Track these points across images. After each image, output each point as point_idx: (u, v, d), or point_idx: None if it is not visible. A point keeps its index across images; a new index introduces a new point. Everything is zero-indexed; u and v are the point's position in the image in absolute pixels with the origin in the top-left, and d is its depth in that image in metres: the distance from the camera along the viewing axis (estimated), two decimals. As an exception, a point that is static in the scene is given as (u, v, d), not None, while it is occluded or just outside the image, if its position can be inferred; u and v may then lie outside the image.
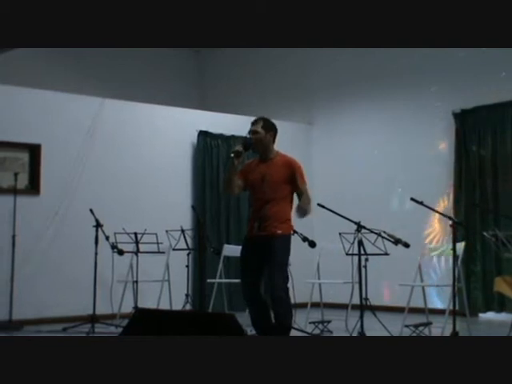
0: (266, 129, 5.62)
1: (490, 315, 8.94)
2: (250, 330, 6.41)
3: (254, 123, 5.67)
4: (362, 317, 6.57)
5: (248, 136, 5.68)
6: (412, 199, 6.26)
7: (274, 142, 5.69)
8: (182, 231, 8.33)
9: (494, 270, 8.81)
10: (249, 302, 5.67)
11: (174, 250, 8.45)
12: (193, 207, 9.14)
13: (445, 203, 9.45)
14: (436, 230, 9.51)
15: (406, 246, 6.49)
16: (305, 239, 6.72)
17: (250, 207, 6.05)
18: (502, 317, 8.64)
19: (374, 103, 10.48)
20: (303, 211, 5.42)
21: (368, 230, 6.66)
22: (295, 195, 5.65)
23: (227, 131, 10.27)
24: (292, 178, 5.53)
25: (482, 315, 8.97)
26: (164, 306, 8.44)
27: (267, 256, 5.47)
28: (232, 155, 5.51)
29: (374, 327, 7.00)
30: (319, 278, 8.32)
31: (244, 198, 10.13)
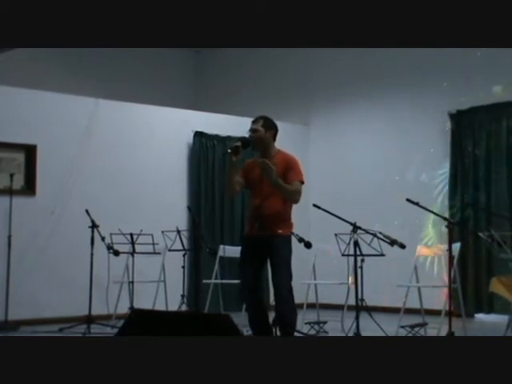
0: (266, 127, 5.60)
1: (484, 316, 8.94)
2: (246, 331, 6.41)
3: (254, 121, 5.65)
4: (357, 317, 6.57)
5: (248, 134, 5.65)
6: (408, 200, 6.26)
7: (274, 140, 5.67)
8: (178, 232, 8.33)
9: (485, 271, 8.84)
10: (247, 301, 5.67)
11: (169, 250, 8.44)
12: (188, 208, 9.13)
13: (441, 203, 9.47)
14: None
15: (402, 246, 6.49)
16: (301, 240, 6.72)
17: (249, 205, 5.99)
18: (497, 318, 8.64)
19: (371, 104, 10.48)
20: (272, 176, 5.33)
21: (364, 230, 6.66)
22: None
23: (223, 132, 10.27)
24: (285, 173, 5.47)
25: (477, 316, 8.98)
26: (160, 306, 8.43)
27: (269, 256, 5.48)
28: (229, 151, 5.48)
29: (370, 328, 7.00)
30: (315, 279, 8.32)
31: (238, 198, 10.13)
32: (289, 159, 5.61)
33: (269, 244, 5.44)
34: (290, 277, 5.48)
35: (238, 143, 5.49)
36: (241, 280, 5.67)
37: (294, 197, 5.51)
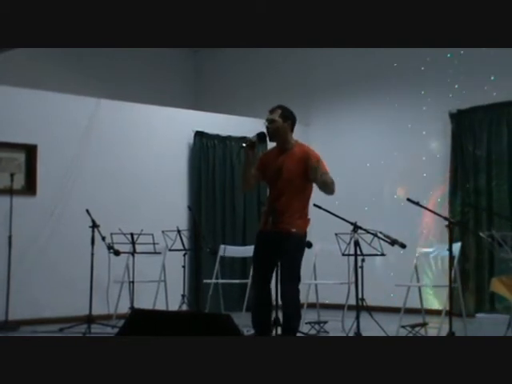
0: (283, 118, 5.43)
1: (485, 316, 8.94)
2: (247, 330, 6.41)
3: (271, 111, 5.47)
4: (358, 317, 6.56)
5: (265, 124, 5.47)
6: (408, 200, 6.26)
7: (292, 131, 5.50)
8: (178, 231, 8.32)
9: (487, 271, 8.83)
10: (257, 294, 5.52)
11: (170, 250, 8.45)
12: (189, 207, 9.14)
13: (441, 203, 9.47)
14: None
15: (403, 246, 6.48)
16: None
17: (266, 199, 5.89)
18: (497, 317, 8.63)
19: (371, 104, 10.48)
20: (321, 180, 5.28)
21: (364, 230, 6.66)
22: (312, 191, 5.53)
23: (223, 132, 10.27)
24: (307, 166, 5.33)
25: (477, 315, 8.98)
26: (160, 306, 8.43)
27: (280, 255, 5.33)
28: (244, 145, 5.35)
29: (371, 328, 7.00)
30: (315, 279, 8.32)
31: (240, 197, 10.15)
32: (309, 153, 5.43)
33: (281, 243, 5.28)
34: (298, 279, 5.37)
35: (254, 138, 5.35)
36: (253, 274, 5.63)
37: (331, 188, 5.37)
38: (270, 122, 5.45)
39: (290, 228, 5.32)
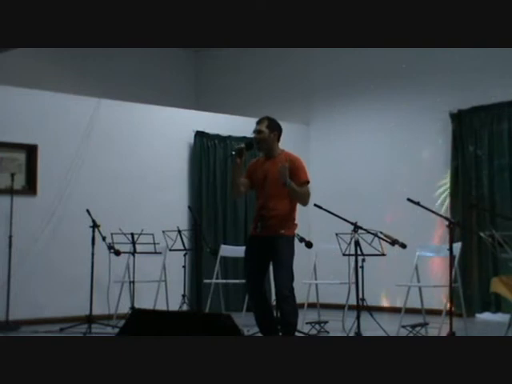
0: (270, 128, 5.63)
1: (486, 315, 8.94)
2: (247, 330, 6.41)
3: (258, 122, 5.68)
4: (358, 317, 6.56)
5: (253, 135, 5.68)
6: (409, 200, 6.26)
7: (278, 141, 5.71)
8: (179, 232, 8.32)
9: (491, 271, 8.81)
10: (252, 299, 5.68)
11: (170, 250, 8.44)
12: (189, 207, 9.13)
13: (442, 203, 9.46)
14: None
15: (403, 246, 6.49)
16: (302, 240, 6.75)
17: (254, 206, 6.03)
18: (499, 317, 8.63)
19: (372, 103, 10.47)
20: (288, 183, 5.41)
21: (365, 230, 6.66)
22: None
23: (224, 132, 10.27)
24: (292, 173, 5.48)
25: (478, 315, 8.97)
26: (161, 306, 8.43)
27: (271, 256, 5.50)
28: (233, 153, 5.53)
29: (371, 328, 7.00)
30: (316, 279, 8.32)
31: (241, 198, 10.13)
32: (293, 159, 5.63)
33: (271, 245, 5.46)
34: (292, 277, 5.49)
35: (242, 145, 5.56)
36: (246, 280, 5.71)
37: (305, 200, 5.61)
38: (258, 132, 5.66)
39: (278, 230, 5.49)
